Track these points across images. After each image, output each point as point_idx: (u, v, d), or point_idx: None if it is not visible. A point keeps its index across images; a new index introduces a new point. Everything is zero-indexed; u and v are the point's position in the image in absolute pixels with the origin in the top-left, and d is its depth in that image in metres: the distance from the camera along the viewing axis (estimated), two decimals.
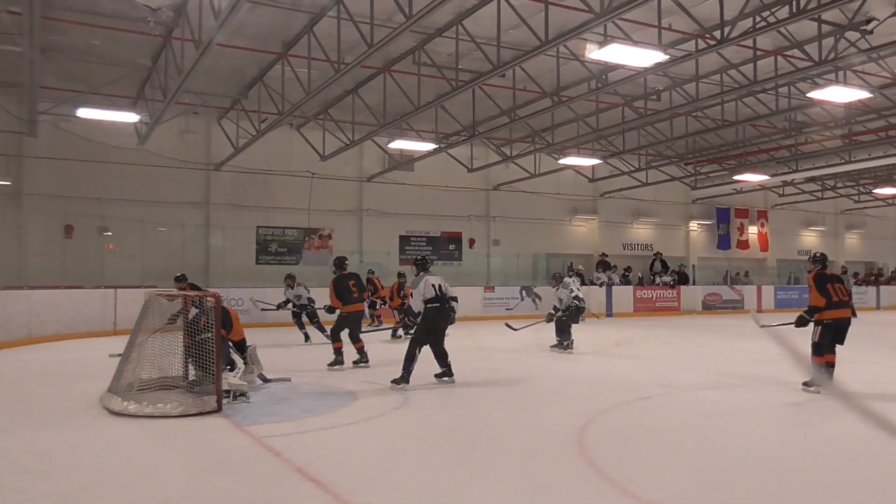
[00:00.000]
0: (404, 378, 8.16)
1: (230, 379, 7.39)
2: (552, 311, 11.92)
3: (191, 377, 7.48)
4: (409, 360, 8.22)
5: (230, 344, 8.14)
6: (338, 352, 9.92)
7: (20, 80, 13.77)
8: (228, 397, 7.11)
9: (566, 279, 12.25)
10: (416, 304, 8.57)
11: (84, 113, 14.85)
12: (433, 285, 8.51)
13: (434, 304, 8.45)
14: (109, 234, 18.06)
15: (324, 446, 5.68)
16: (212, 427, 6.26)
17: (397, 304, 14.88)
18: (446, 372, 8.58)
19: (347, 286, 10.16)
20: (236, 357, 8.13)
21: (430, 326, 8.49)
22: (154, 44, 13.48)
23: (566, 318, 11.85)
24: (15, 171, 17.04)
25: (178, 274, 10.85)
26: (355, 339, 10.06)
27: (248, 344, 8.43)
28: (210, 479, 4.83)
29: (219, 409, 6.71)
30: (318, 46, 12.34)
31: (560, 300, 11.89)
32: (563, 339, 11.98)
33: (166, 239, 18.74)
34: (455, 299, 8.69)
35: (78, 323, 13.75)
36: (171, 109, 14.61)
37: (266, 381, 8.46)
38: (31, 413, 6.92)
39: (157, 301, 7.67)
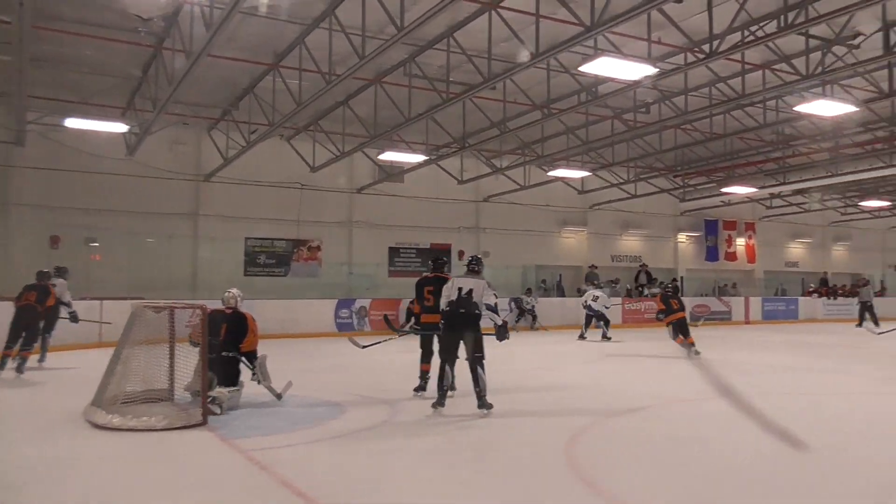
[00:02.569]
0: (438, 400, 7.47)
1: (220, 388, 7.36)
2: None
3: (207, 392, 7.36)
4: (439, 377, 7.52)
5: (241, 355, 7.89)
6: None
7: (9, 89, 13.69)
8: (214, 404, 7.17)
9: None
10: (442, 303, 7.65)
11: (73, 123, 14.76)
12: (459, 288, 7.52)
13: (446, 309, 7.58)
14: (96, 244, 17.93)
15: (311, 460, 5.63)
16: (197, 440, 6.19)
17: None
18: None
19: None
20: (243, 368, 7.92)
21: (442, 337, 7.66)
22: (144, 54, 13.44)
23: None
24: (1, 180, 16.92)
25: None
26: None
27: (258, 355, 8.05)
28: (194, 494, 4.76)
29: (204, 423, 6.64)
30: (310, 58, 12.34)
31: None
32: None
33: (154, 250, 18.63)
34: (491, 307, 7.53)
35: (65, 334, 13.58)
36: (160, 120, 14.55)
37: (279, 396, 8.06)
38: (13, 427, 6.83)
39: (144, 313, 7.59)
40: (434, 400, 7.53)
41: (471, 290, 7.47)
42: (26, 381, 9.98)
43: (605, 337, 16.84)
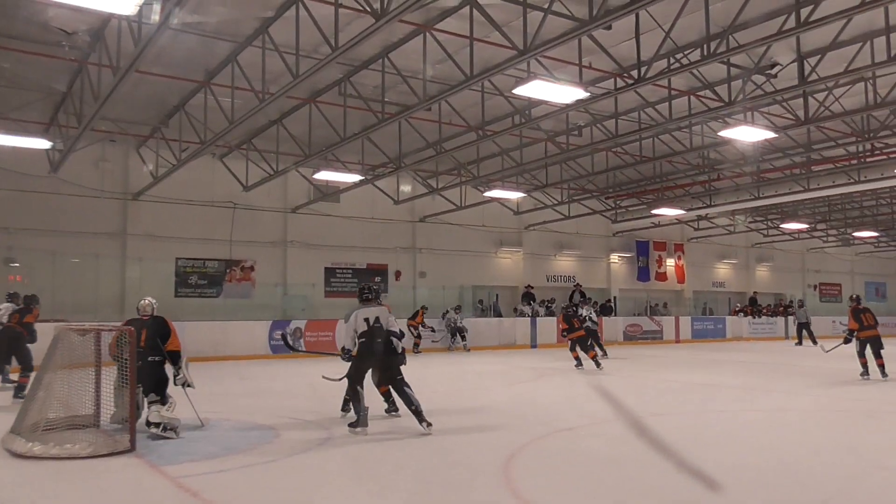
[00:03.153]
0: (360, 421, 7.43)
1: (162, 412, 7.14)
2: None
3: (108, 415, 7.13)
4: (355, 400, 7.61)
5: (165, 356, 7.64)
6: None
7: None
8: (159, 429, 7.00)
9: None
10: (346, 340, 7.83)
11: None
12: (365, 319, 7.80)
13: (362, 339, 7.78)
14: (16, 265, 17.18)
15: (244, 486, 5.48)
16: (125, 468, 5.96)
17: None
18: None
19: None
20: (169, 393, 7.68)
21: (358, 364, 7.79)
22: (69, 68, 13.03)
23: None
24: None
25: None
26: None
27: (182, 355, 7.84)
28: None
29: (132, 449, 6.41)
30: (242, 76, 12.19)
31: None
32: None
33: (79, 271, 17.94)
34: (396, 335, 7.88)
35: None
36: (86, 136, 14.12)
37: (202, 423, 7.87)
38: None
39: (68, 336, 7.29)
40: (354, 420, 7.52)
41: (378, 318, 7.82)
42: None
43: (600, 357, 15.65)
